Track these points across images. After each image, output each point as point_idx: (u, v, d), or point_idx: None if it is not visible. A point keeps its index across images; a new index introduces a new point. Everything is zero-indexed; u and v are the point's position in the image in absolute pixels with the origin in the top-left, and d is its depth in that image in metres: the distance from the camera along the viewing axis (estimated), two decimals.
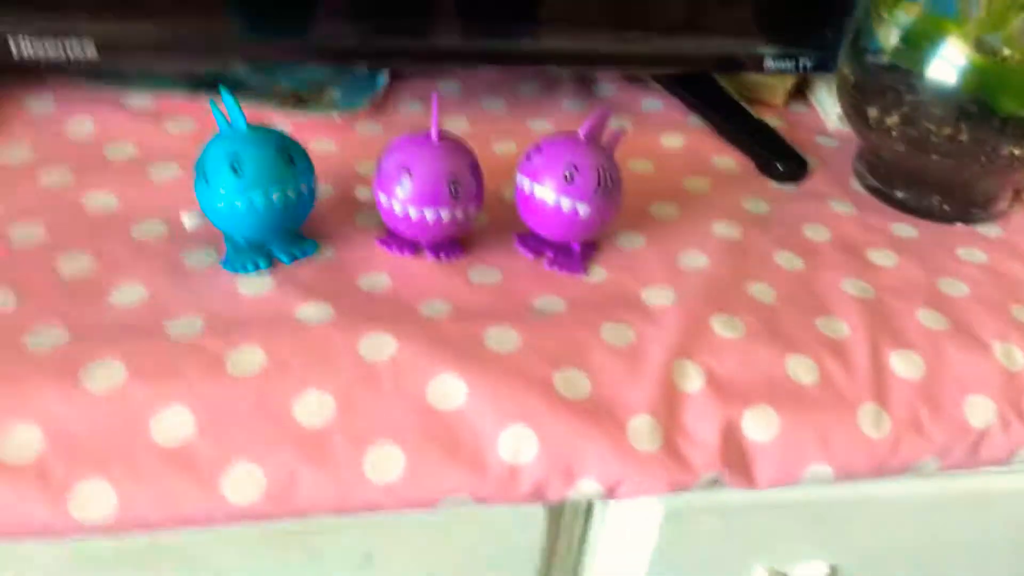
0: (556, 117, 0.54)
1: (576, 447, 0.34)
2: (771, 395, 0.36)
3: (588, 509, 0.42)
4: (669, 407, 0.35)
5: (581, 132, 0.40)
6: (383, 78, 0.55)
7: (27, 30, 0.44)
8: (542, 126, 0.53)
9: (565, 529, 0.42)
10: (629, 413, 0.35)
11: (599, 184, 0.39)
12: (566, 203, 0.38)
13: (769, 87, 0.58)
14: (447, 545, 0.40)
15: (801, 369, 0.37)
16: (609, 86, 0.58)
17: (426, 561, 0.40)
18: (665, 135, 0.53)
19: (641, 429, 0.34)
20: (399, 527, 0.38)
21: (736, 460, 0.35)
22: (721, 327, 0.38)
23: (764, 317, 0.39)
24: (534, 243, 0.42)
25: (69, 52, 0.45)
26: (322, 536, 0.38)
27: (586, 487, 0.34)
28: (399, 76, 0.56)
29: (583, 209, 0.39)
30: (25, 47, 0.45)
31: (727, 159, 0.52)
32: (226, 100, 0.37)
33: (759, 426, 0.35)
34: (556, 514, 0.40)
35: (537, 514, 0.39)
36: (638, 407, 0.35)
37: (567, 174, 0.38)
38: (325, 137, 0.49)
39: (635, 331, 0.38)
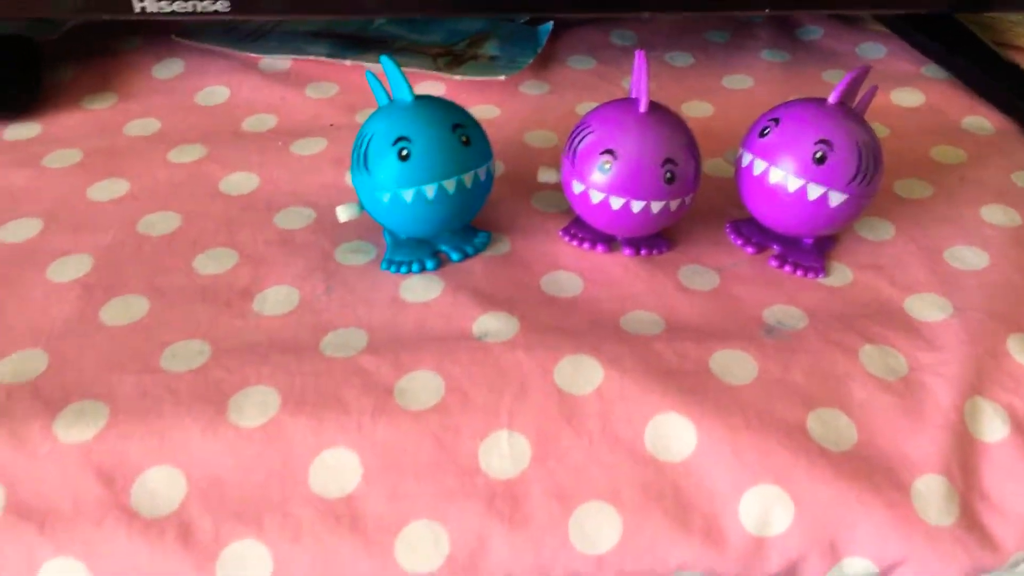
0: (755, 71, 0.45)
1: (842, 516, 0.26)
2: None
3: None
4: (965, 464, 0.27)
5: (832, 97, 0.31)
6: (546, 27, 0.47)
7: None
8: (742, 83, 0.44)
9: None
10: (912, 472, 0.26)
11: (859, 166, 0.30)
12: (814, 190, 0.30)
13: (1021, 27, 0.46)
14: None
15: None
16: (815, 28, 0.48)
17: None
18: (897, 90, 0.43)
19: (929, 494, 0.26)
20: None
21: None
22: (1021, 352, 0.29)
23: None
24: (752, 233, 0.34)
25: (199, 7, 0.39)
26: None
27: (854, 567, 0.26)
28: (563, 24, 0.48)
29: (836, 198, 0.30)
30: (148, 2, 0.39)
31: (981, 120, 0.41)
32: (387, 67, 0.30)
33: None
34: None
35: None
36: (924, 464, 0.27)
37: (818, 154, 0.30)
38: (485, 101, 0.42)
39: (906, 356, 0.29)
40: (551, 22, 0.47)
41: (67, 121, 0.41)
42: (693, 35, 0.48)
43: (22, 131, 0.40)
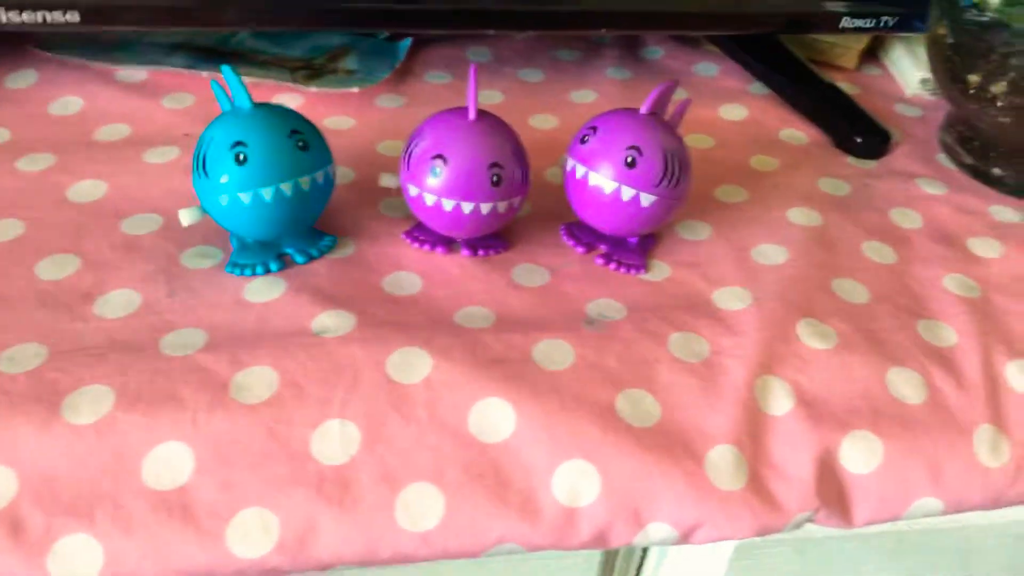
0: (600, 87, 0.48)
1: (645, 486, 0.29)
2: (872, 418, 0.31)
3: None
4: (753, 435, 0.30)
5: (643, 108, 0.34)
6: (405, 43, 0.49)
7: None
8: (585, 97, 0.47)
9: (621, 561, 0.37)
10: (707, 443, 0.29)
11: (666, 170, 0.33)
12: (627, 192, 0.33)
13: (839, 48, 0.51)
14: None
15: (905, 385, 0.32)
16: (657, 49, 0.52)
17: None
18: (725, 105, 0.47)
19: (721, 463, 0.29)
20: (434, 568, 0.34)
21: (832, 496, 0.30)
22: (809, 335, 0.33)
23: (858, 322, 0.33)
24: (583, 234, 0.37)
25: (48, 18, 0.39)
26: None
27: (657, 532, 0.29)
28: (422, 41, 0.50)
29: (646, 199, 0.33)
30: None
31: (797, 132, 0.45)
32: (227, 76, 0.32)
33: (859, 456, 0.30)
34: (611, 551, 0.35)
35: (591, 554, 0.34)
36: (717, 436, 0.29)
37: (628, 159, 0.33)
38: (341, 112, 0.44)
39: (709, 342, 0.32)
40: (410, 38, 0.49)
41: None
42: (544, 53, 0.51)
43: None
